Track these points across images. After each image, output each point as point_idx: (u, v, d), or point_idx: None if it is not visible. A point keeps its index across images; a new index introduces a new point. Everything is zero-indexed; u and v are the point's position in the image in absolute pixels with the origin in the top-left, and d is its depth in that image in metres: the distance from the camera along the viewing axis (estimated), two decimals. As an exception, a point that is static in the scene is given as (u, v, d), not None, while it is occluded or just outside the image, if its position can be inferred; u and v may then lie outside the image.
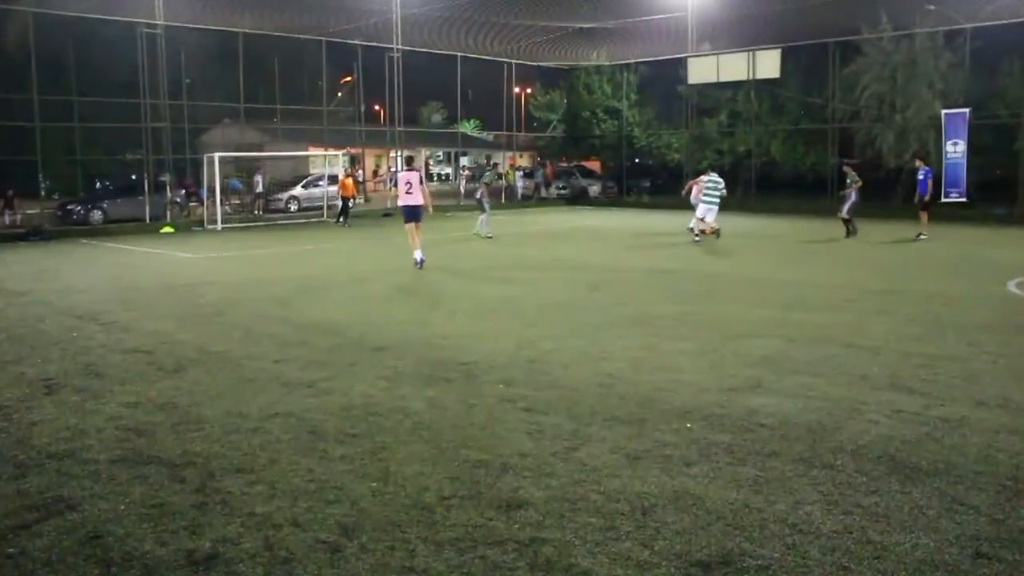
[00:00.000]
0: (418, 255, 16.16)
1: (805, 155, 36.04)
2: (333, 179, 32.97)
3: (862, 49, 31.21)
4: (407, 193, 16.30)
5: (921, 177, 21.70)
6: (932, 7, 29.31)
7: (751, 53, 34.96)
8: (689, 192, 22.67)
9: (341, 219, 29.02)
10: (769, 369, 7.90)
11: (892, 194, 31.98)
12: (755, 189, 35.46)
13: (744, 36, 34.91)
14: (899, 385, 7.28)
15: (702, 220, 20.84)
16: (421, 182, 16.46)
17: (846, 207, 21.67)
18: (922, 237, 21.03)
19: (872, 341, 9.10)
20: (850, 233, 21.49)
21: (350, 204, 29.73)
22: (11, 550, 4.37)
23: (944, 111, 28.28)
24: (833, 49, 32.65)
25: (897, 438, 5.87)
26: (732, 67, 35.62)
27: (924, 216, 21.56)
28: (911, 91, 30.03)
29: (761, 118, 36.38)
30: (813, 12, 31.14)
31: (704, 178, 21.48)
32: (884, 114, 31.05)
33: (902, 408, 6.57)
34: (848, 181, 21.78)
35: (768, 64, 34.60)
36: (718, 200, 20.62)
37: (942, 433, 5.98)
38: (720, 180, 20.88)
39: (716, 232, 20.94)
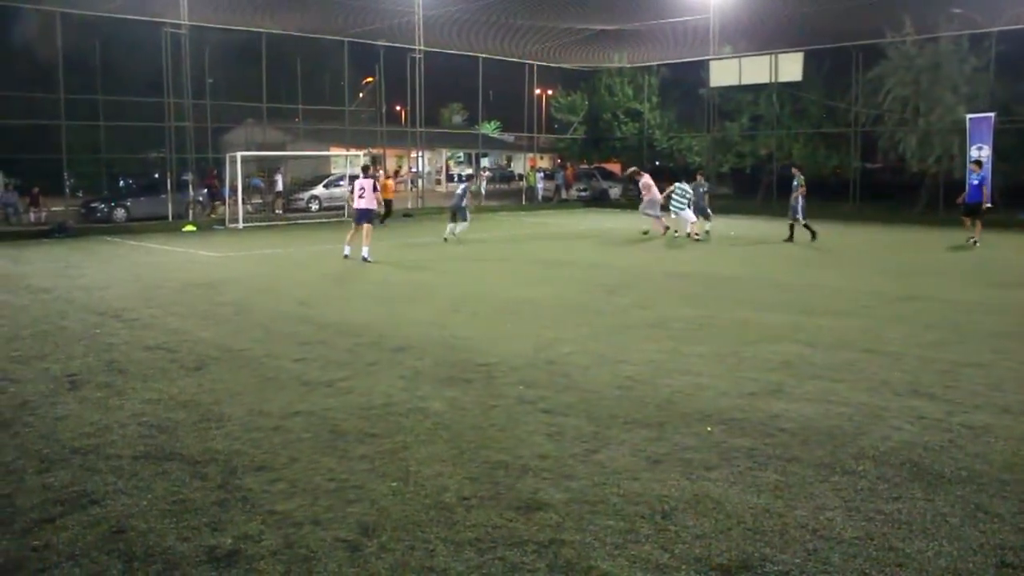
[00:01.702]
0: (364, 251, 17.56)
1: (827, 159, 35.81)
2: (354, 179, 33.02)
3: (885, 53, 30.97)
4: (359, 197, 17.98)
5: (976, 183, 21.55)
6: (957, 10, 29.08)
7: (773, 56, 34.78)
8: (667, 197, 23.09)
9: (382, 219, 28.97)
10: (789, 374, 7.87)
11: (915, 199, 31.75)
12: (776, 193, 35.24)
13: (766, 39, 34.74)
14: (921, 391, 7.23)
15: (692, 220, 22.14)
16: (375, 189, 18.46)
17: (800, 210, 21.36)
18: (974, 243, 20.72)
19: (893, 347, 9.04)
20: (814, 235, 21.44)
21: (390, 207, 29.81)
22: (36, 543, 4.42)
23: (969, 115, 28.02)
24: (856, 53, 32.41)
25: (919, 444, 5.83)
26: (754, 70, 35.44)
27: (978, 223, 21.16)
28: (935, 95, 29.77)
29: (783, 121, 36.20)
30: (836, 15, 30.97)
31: (676, 186, 22.65)
32: (907, 118, 30.81)
33: (924, 414, 6.53)
34: (796, 183, 21.47)
35: (790, 67, 34.40)
36: (684, 205, 22.21)
37: (966, 440, 5.93)
38: (688, 189, 22.43)
39: (665, 230, 22.67)
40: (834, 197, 34.07)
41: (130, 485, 5.21)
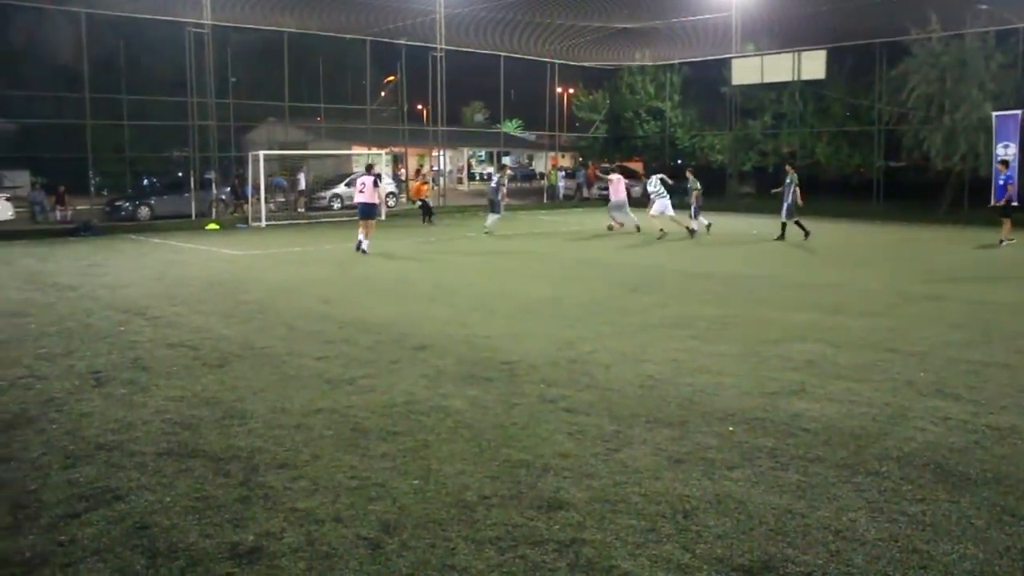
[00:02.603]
0: (363, 243, 18.88)
1: (850, 157, 35.54)
2: (378, 178, 33.18)
3: (910, 50, 30.66)
4: (360, 192, 19.33)
5: (1001, 182, 21.38)
6: (983, 6, 28.75)
7: (796, 54, 34.56)
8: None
9: (428, 218, 29.05)
10: (812, 373, 7.81)
11: (940, 198, 31.45)
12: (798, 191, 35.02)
13: (789, 37, 34.53)
14: (946, 392, 7.16)
15: (670, 216, 22.64)
16: (375, 185, 19.66)
17: (791, 209, 21.45)
18: (1008, 242, 20.48)
19: (917, 347, 8.96)
20: (805, 231, 21.47)
21: (430, 204, 29.88)
22: (61, 538, 4.46)
23: (995, 113, 27.72)
24: (880, 50, 32.15)
25: (944, 446, 5.78)
26: (777, 68, 35.23)
27: (1007, 223, 20.94)
28: (961, 92, 29.45)
29: (806, 119, 35.95)
30: (860, 13, 30.72)
31: (652, 178, 23.61)
32: (932, 116, 30.50)
33: (949, 415, 6.46)
34: (789, 180, 21.56)
35: (813, 65, 34.16)
36: (662, 194, 22.80)
37: (991, 442, 5.87)
38: (658, 181, 23.12)
39: (638, 227, 23.39)
40: (857, 196, 33.86)
41: (154, 481, 5.26)
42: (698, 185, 23.55)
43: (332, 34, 34.90)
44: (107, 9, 28.46)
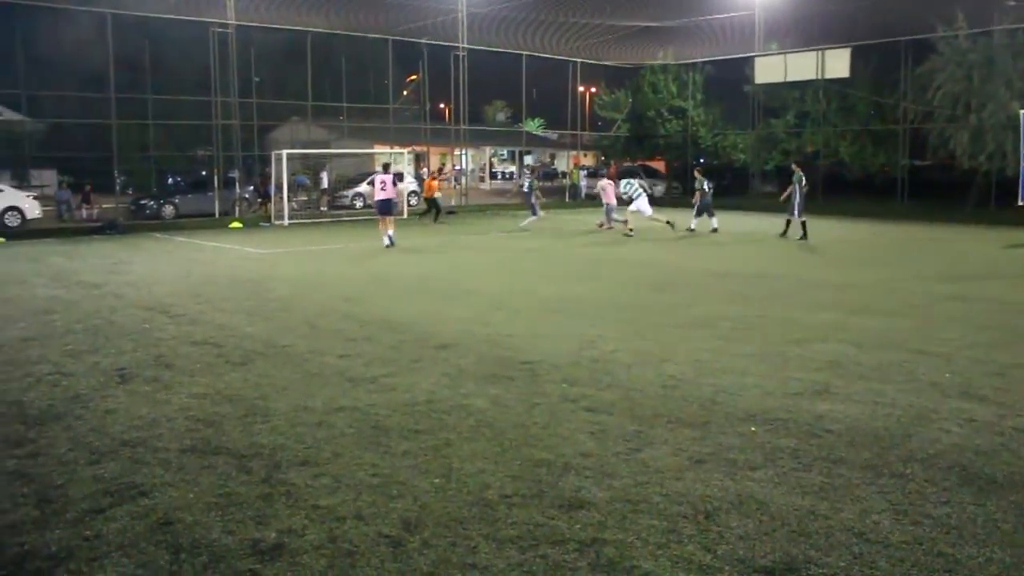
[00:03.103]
0: (386, 239, 19.93)
1: (875, 156, 35.24)
2: (399, 176, 33.36)
3: (936, 47, 30.38)
4: (381, 190, 20.17)
5: None
6: (1012, 3, 28.42)
7: (820, 52, 34.33)
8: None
9: (435, 216, 29.03)
10: (835, 374, 7.76)
11: (966, 197, 31.14)
12: (822, 191, 34.79)
13: (813, 35, 34.29)
14: (972, 393, 7.08)
15: (648, 214, 23.17)
16: (394, 183, 20.67)
17: (795, 207, 21.51)
18: None
19: (942, 348, 8.87)
20: (787, 234, 21.69)
21: (437, 203, 29.90)
22: (87, 533, 4.51)
23: (1023, 111, 27.40)
24: (905, 48, 31.87)
25: (970, 448, 5.72)
26: (800, 66, 35.00)
27: None
28: (988, 91, 29.13)
29: (829, 118, 35.69)
30: (885, 10, 30.46)
31: (625, 181, 24.34)
32: (958, 115, 30.19)
33: (975, 417, 6.40)
34: (795, 179, 21.60)
35: (837, 63, 33.92)
36: (639, 194, 23.28)
37: (1018, 444, 5.80)
38: (631, 184, 23.79)
39: (613, 225, 23.57)
40: (882, 195, 33.58)
41: (177, 478, 5.30)
42: (705, 185, 23.88)
43: (355, 34, 35.02)
44: (132, 10, 28.71)
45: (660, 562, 4.12)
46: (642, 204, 23.17)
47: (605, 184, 24.50)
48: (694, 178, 24.72)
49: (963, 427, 6.16)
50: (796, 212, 21.48)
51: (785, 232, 21.83)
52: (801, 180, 21.59)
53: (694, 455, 5.60)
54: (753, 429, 6.13)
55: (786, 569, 4.05)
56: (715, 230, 23.56)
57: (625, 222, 23.20)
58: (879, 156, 35.17)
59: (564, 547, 4.28)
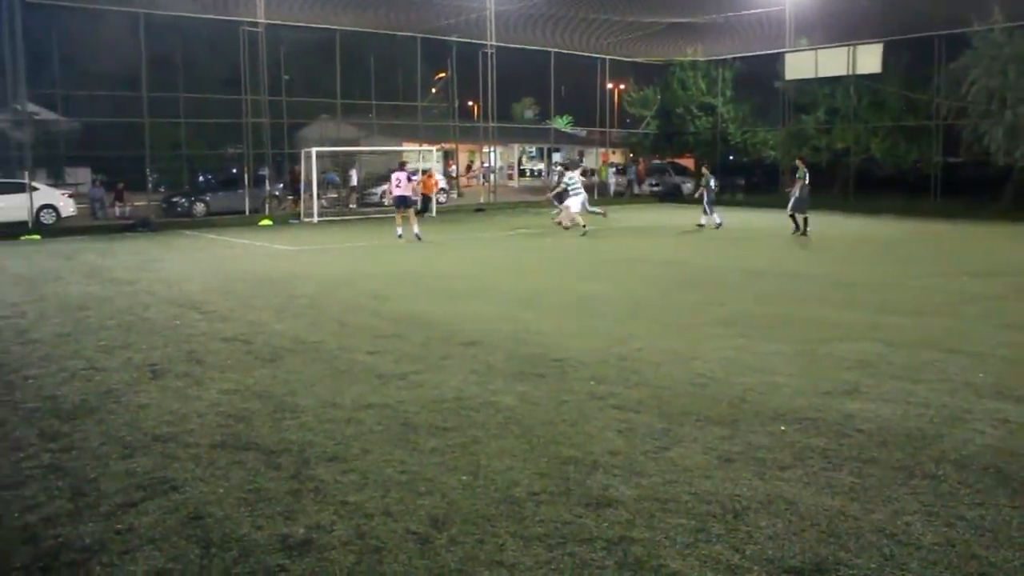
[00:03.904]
0: (399, 231, 21.23)
1: (907, 153, 34.79)
2: (411, 174, 33.55)
3: (971, 42, 29.94)
4: (397, 187, 21.26)
5: None
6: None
7: (851, 48, 33.94)
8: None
9: (424, 213, 29.39)
10: (866, 373, 7.68)
11: (1001, 194, 30.71)
12: (853, 188, 34.45)
13: (844, 30, 33.94)
14: (1006, 394, 6.98)
15: (575, 212, 23.08)
16: (409, 180, 21.65)
17: (801, 203, 21.67)
18: None
19: (976, 347, 8.75)
20: (800, 228, 21.70)
21: (430, 201, 30.16)
22: (119, 526, 4.57)
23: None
24: (939, 42, 31.42)
25: (1004, 449, 5.64)
26: (831, 62, 34.64)
27: None
28: (1024, 85, 28.71)
29: (860, 115, 35.26)
30: (918, 4, 30.07)
31: (569, 174, 24.10)
32: (993, 110, 29.74)
33: (1009, 418, 6.30)
34: (799, 175, 21.77)
35: (869, 59, 33.53)
36: (577, 191, 23.20)
37: (1053, 445, 5.72)
38: (574, 176, 23.65)
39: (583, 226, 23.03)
40: (914, 192, 33.16)
41: (208, 473, 5.35)
42: (712, 182, 24.37)
43: (384, 32, 35.14)
44: (164, 10, 29.01)
45: (688, 561, 4.10)
46: (574, 203, 23.26)
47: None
48: (701, 175, 25.13)
49: (997, 428, 6.07)
50: (790, 206, 21.81)
51: (805, 230, 21.69)
52: (805, 176, 21.78)
53: (723, 454, 5.57)
54: (783, 428, 6.08)
55: (815, 570, 4.01)
56: (701, 226, 24.09)
57: (603, 214, 23.93)
58: (911, 153, 34.70)
59: (592, 545, 4.27)
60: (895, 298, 12.12)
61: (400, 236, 21.12)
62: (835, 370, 7.81)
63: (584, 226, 22.72)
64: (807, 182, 21.86)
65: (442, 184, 36.56)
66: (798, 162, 22.93)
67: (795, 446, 5.71)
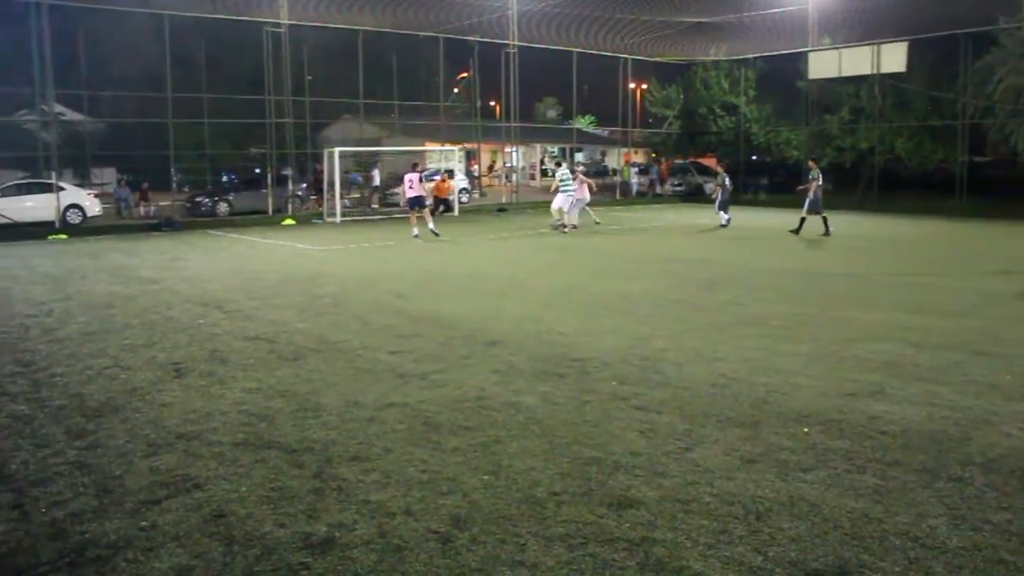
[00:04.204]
0: (430, 225, 21.83)
1: (932, 152, 34.44)
2: (449, 174, 33.70)
3: (997, 40, 29.60)
4: (410, 188, 22.02)
5: None
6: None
7: (875, 46, 33.64)
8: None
9: (441, 212, 29.73)
10: (891, 374, 7.62)
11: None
12: (877, 188, 34.15)
13: (868, 29, 33.64)
14: (1034, 395, 6.90)
15: (564, 212, 23.59)
16: (421, 181, 22.42)
17: (815, 204, 21.76)
18: None
19: (1004, 348, 8.66)
20: (799, 229, 21.72)
21: (441, 204, 30.43)
22: (144, 523, 4.61)
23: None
24: (965, 40, 31.07)
25: (1031, 451, 5.58)
26: (855, 61, 34.35)
27: None
28: (1052, 85, 28.33)
29: (885, 114, 34.96)
30: (943, 2, 29.76)
31: (561, 171, 24.50)
32: (1021, 108, 29.38)
33: (1037, 420, 6.23)
34: (811, 176, 21.89)
35: (893, 58, 33.20)
36: (569, 190, 23.76)
37: (1081, 448, 5.64)
38: (568, 174, 24.17)
39: (568, 226, 23.59)
40: (939, 192, 32.84)
41: (230, 471, 5.38)
42: (726, 181, 24.70)
43: (406, 32, 35.23)
44: (189, 11, 29.24)
45: (710, 563, 4.08)
46: (562, 200, 23.70)
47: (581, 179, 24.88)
48: (716, 173, 25.26)
49: (1024, 430, 6.01)
50: (806, 207, 21.80)
51: (827, 230, 21.68)
52: (818, 177, 21.90)
53: (745, 455, 5.54)
54: (805, 430, 6.04)
55: (839, 573, 3.98)
56: (724, 225, 24.21)
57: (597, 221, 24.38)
58: (937, 152, 34.34)
59: (613, 546, 4.26)
60: (920, 298, 12.01)
61: (416, 236, 21.50)
62: (859, 371, 7.75)
63: (566, 227, 23.38)
64: (820, 183, 21.98)
65: (464, 184, 36.61)
66: (811, 163, 23.04)
67: (818, 448, 5.68)
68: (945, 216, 28.66)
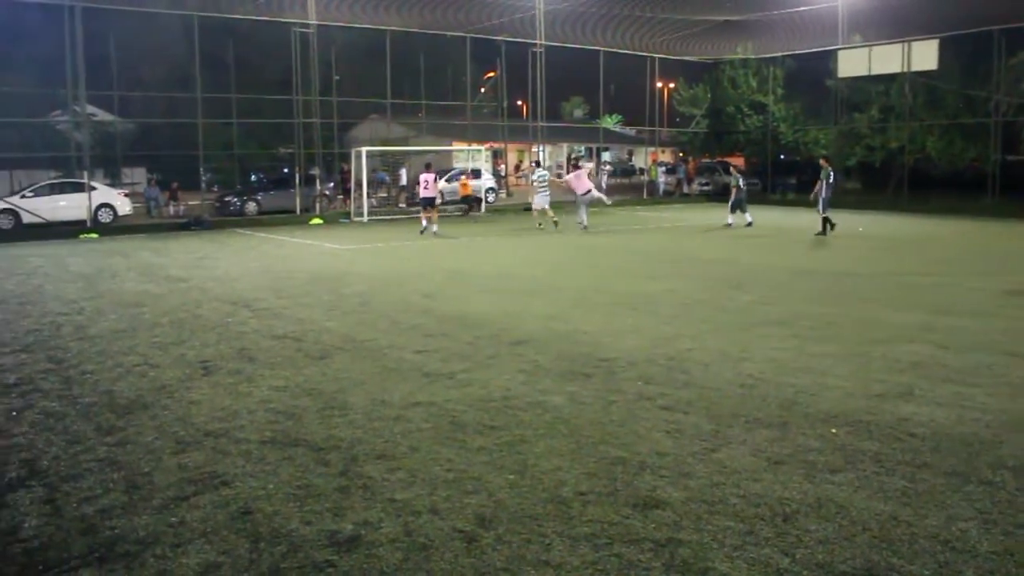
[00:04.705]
0: (425, 224, 23.08)
1: (964, 151, 33.98)
2: (476, 173, 33.87)
3: (1032, 36, 29.19)
4: (424, 188, 23.28)
5: None
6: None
7: (906, 44, 33.26)
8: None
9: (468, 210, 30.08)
10: (920, 376, 7.53)
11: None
12: (907, 188, 33.77)
13: (899, 26, 33.24)
14: (1067, 398, 6.80)
15: (543, 209, 24.56)
16: (435, 181, 23.40)
17: (823, 203, 21.80)
18: None
19: (1037, 350, 8.54)
20: (833, 227, 21.79)
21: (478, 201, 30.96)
22: (172, 519, 4.65)
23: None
24: (999, 37, 30.64)
25: (1064, 455, 5.49)
26: (885, 59, 33.97)
27: None
28: (1087, 81, 27.88)
29: (916, 112, 34.56)
30: (976, -2, 29.41)
31: (539, 173, 25.73)
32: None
33: (1070, 423, 6.14)
34: (823, 175, 21.92)
35: (925, 55, 32.80)
36: (543, 190, 24.77)
37: (1116, 451, 5.55)
38: (545, 173, 25.76)
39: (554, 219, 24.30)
40: (971, 191, 32.43)
41: (258, 468, 5.42)
42: (740, 182, 25.11)
43: (433, 31, 35.32)
44: (218, 12, 29.49)
45: (736, 564, 4.06)
46: (542, 200, 24.56)
47: (570, 177, 25.00)
48: (729, 174, 25.40)
49: (1057, 433, 5.92)
50: (821, 207, 21.81)
51: (825, 230, 21.79)
52: (829, 176, 21.93)
53: (772, 456, 5.51)
54: (833, 431, 6.00)
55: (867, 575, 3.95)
56: (750, 224, 24.34)
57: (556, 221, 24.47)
58: (969, 151, 33.88)
59: (639, 546, 4.25)
60: (950, 299, 11.88)
61: (423, 232, 22.82)
62: (887, 372, 7.67)
63: (541, 224, 24.20)
64: (831, 181, 22.06)
65: (491, 184, 36.68)
66: (822, 161, 23.03)
67: (846, 449, 5.63)
68: (976, 216, 28.31)
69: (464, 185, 31.53)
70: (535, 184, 24.99)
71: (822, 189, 21.74)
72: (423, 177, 23.46)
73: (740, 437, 5.89)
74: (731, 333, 9.53)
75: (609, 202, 26.68)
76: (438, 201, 23.87)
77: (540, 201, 24.58)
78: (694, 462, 5.42)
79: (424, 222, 23.29)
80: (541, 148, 39.19)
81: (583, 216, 23.90)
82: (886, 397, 6.85)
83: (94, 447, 5.90)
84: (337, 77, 36.91)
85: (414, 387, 7.31)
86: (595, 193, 24.32)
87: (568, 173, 26.56)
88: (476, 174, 33.27)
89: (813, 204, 22.46)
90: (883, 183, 36.03)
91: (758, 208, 25.96)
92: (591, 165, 27.03)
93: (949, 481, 5.07)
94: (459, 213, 30.74)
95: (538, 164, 27.88)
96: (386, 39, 33.44)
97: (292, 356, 8.60)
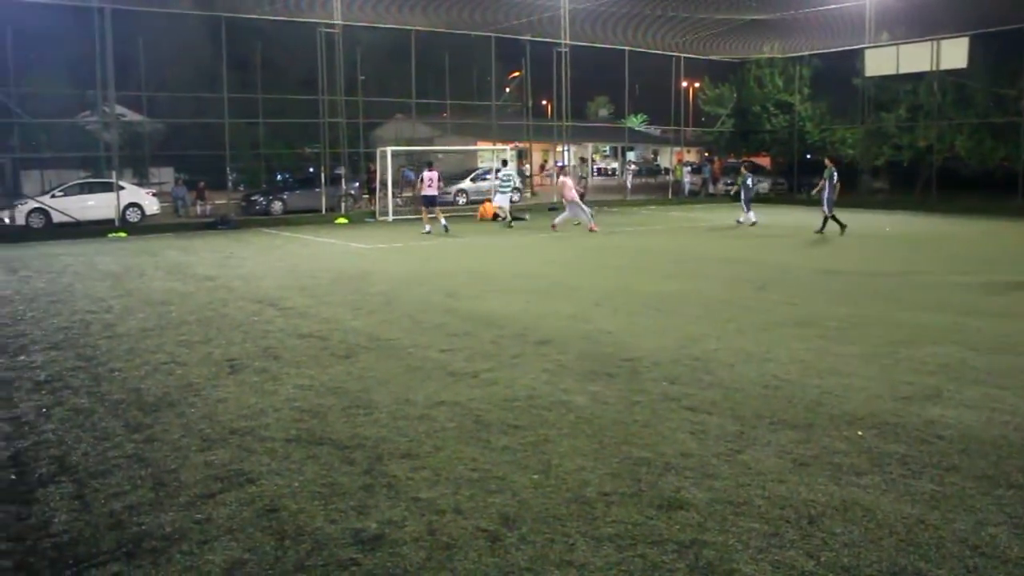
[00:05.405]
0: (429, 228, 23.11)
1: (993, 151, 33.53)
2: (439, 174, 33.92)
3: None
4: (428, 187, 23.22)
5: None
6: None
7: (935, 42, 32.88)
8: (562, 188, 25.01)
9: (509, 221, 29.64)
10: (948, 378, 7.46)
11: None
12: (936, 188, 33.41)
13: (927, 24, 32.88)
14: (1098, 401, 6.71)
15: (501, 207, 25.80)
16: (439, 179, 23.79)
17: (830, 203, 22.03)
18: None
19: (1068, 352, 8.43)
20: (843, 228, 21.71)
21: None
22: (198, 516, 4.69)
23: None
24: (1030, 35, 30.25)
25: (1095, 458, 5.42)
26: (913, 58, 33.60)
27: None
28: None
29: (944, 111, 34.16)
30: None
31: (504, 172, 26.77)
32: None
33: (1102, 426, 6.05)
34: (827, 174, 22.22)
35: (954, 53, 32.40)
36: (506, 191, 26.29)
37: None
38: (513, 175, 26.97)
39: (509, 220, 25.35)
40: (1001, 191, 32.04)
41: (283, 466, 5.46)
42: (750, 181, 25.62)
43: (458, 31, 35.36)
44: (244, 12, 29.71)
45: (761, 566, 4.04)
46: (502, 200, 25.86)
47: (565, 180, 25.16)
48: (739, 173, 26.44)
49: (1088, 436, 5.84)
50: (826, 207, 22.02)
51: (822, 228, 22.02)
52: (833, 176, 22.17)
53: (798, 458, 5.47)
54: (860, 433, 5.95)
55: (894, 579, 3.92)
56: (754, 223, 24.71)
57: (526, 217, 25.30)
58: (998, 150, 33.44)
59: (663, 547, 4.24)
60: (978, 299, 11.75)
61: (428, 233, 22.78)
62: (915, 374, 7.60)
63: (509, 220, 25.11)
64: (835, 182, 22.26)
65: (516, 183, 36.67)
66: (827, 161, 23.24)
67: (873, 452, 5.58)
68: (1006, 216, 27.97)
69: (485, 207, 31.08)
70: (498, 183, 25.45)
71: (826, 188, 21.99)
72: (426, 175, 23.51)
73: (765, 438, 5.86)
74: (756, 334, 9.48)
75: (583, 222, 24.38)
76: (438, 200, 23.92)
77: (499, 200, 25.28)
78: (719, 463, 5.40)
79: (427, 226, 23.19)
80: (566, 148, 39.17)
81: (582, 218, 23.88)
82: (913, 399, 6.79)
83: (122, 444, 5.96)
84: (362, 77, 37.01)
85: (438, 386, 7.33)
86: (567, 212, 24.15)
87: (561, 176, 26.82)
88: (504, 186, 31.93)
89: (816, 203, 22.72)
90: (911, 183, 35.69)
91: (784, 208, 25.84)
92: (579, 173, 27.11)
93: (978, 485, 5.02)
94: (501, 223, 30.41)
95: (505, 163, 27.90)
96: (411, 39, 33.52)
97: (317, 355, 8.65)
